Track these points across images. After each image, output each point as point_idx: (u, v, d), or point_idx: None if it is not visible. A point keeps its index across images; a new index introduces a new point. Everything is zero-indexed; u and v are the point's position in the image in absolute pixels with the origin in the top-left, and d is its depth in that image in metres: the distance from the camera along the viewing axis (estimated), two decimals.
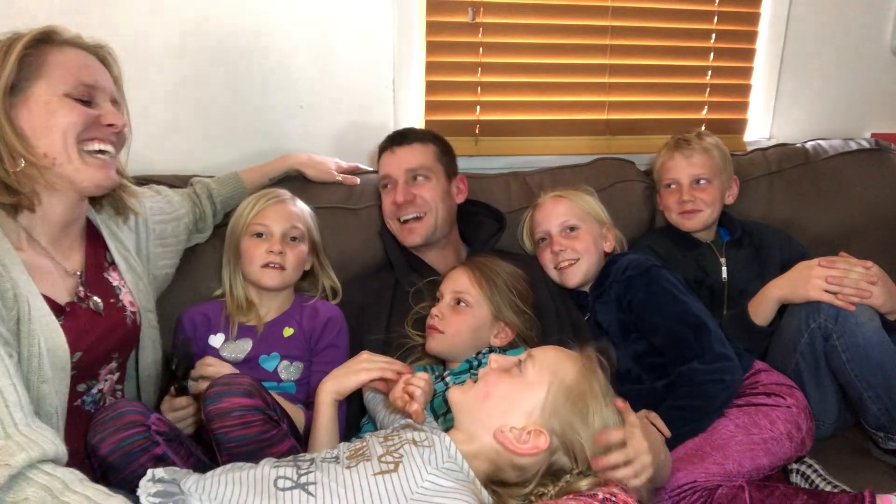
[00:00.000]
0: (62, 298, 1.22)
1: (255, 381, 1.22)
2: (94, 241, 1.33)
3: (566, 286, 1.69)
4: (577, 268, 1.67)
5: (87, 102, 1.19)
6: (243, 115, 1.87)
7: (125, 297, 1.33)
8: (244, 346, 1.50)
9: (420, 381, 1.24)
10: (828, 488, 1.43)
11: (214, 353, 1.50)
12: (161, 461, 1.14)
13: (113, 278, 1.33)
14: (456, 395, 1.12)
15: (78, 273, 1.27)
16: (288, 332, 1.53)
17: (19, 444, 0.91)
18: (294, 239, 1.55)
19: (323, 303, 1.61)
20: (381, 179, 1.73)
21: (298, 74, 1.92)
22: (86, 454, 1.15)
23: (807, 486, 1.47)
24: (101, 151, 1.21)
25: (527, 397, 1.07)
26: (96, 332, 1.25)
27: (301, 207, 1.61)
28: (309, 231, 1.60)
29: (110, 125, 1.21)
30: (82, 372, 1.22)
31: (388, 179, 1.70)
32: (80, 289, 1.26)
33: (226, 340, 1.51)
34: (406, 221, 1.68)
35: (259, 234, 1.54)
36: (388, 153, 1.72)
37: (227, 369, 1.37)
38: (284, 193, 1.61)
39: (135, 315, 1.35)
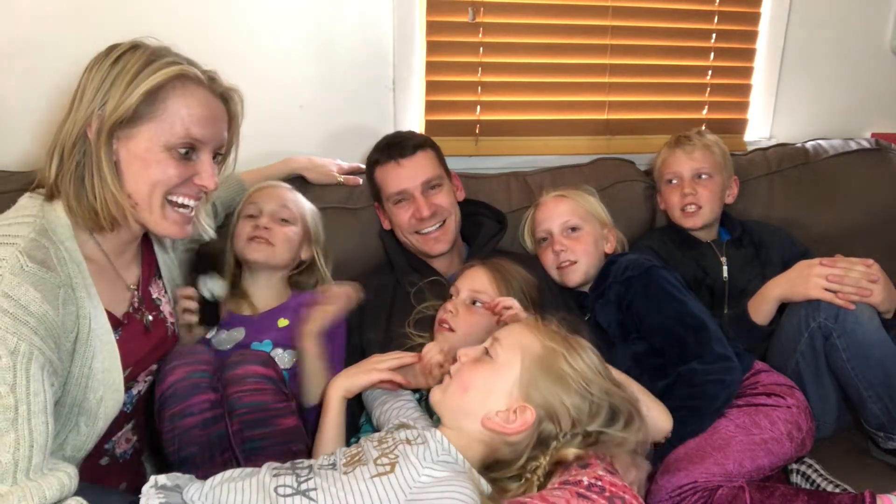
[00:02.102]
0: (120, 311, 1.22)
1: (270, 357, 1.29)
2: (147, 254, 1.34)
3: (566, 285, 1.69)
4: (577, 268, 1.67)
5: (188, 154, 1.16)
6: (242, 116, 1.87)
7: (165, 308, 1.34)
8: (236, 336, 1.51)
9: (435, 353, 1.30)
10: (829, 487, 1.43)
11: (204, 342, 1.50)
12: (214, 407, 1.20)
13: (153, 290, 1.33)
14: (436, 396, 1.14)
15: (134, 287, 1.27)
16: (283, 322, 1.54)
17: (23, 490, 0.92)
18: (284, 220, 1.56)
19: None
20: (395, 195, 1.66)
21: (298, 74, 1.92)
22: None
23: (808, 485, 1.47)
24: (183, 205, 1.19)
25: (503, 378, 1.09)
26: (145, 348, 1.26)
27: (299, 197, 1.63)
28: (303, 218, 1.60)
29: (201, 185, 1.19)
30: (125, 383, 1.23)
31: (404, 195, 1.66)
32: (136, 301, 1.27)
33: (218, 331, 1.52)
34: (427, 232, 1.66)
35: (251, 216, 1.56)
36: (393, 166, 1.66)
37: None
38: (284, 184, 1.65)
39: (174, 326, 1.36)
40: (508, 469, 1.07)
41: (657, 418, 1.29)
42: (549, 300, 1.62)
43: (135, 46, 1.13)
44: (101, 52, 1.13)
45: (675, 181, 1.86)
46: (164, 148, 1.13)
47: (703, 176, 1.84)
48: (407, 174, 1.65)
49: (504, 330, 1.17)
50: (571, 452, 1.04)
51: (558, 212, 1.72)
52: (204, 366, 1.22)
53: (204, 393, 1.19)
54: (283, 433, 1.23)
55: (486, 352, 1.13)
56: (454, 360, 1.16)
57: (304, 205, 1.63)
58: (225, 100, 1.21)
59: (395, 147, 1.68)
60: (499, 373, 1.09)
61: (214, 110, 1.18)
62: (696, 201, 1.81)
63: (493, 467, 1.08)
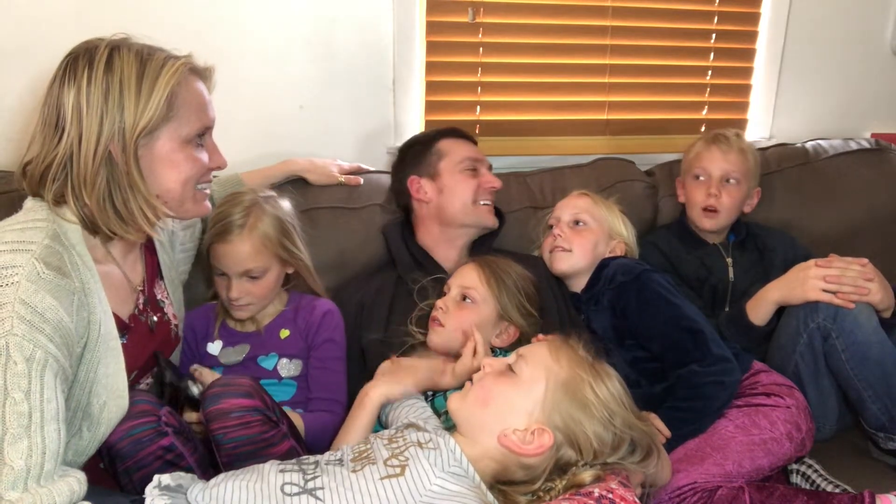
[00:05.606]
0: (126, 313, 1.22)
1: (254, 382, 1.22)
2: (150, 253, 1.34)
3: (552, 269, 1.70)
4: (567, 257, 1.68)
5: (201, 144, 1.18)
6: (243, 116, 1.87)
7: (168, 310, 1.35)
8: (242, 350, 1.51)
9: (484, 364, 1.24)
10: (829, 488, 1.43)
11: (213, 360, 1.50)
12: (169, 451, 1.15)
13: (157, 292, 1.33)
14: (455, 404, 1.12)
15: (140, 288, 1.27)
16: (284, 333, 1.53)
17: (34, 497, 0.92)
18: (254, 277, 1.46)
19: (318, 298, 1.59)
20: (469, 161, 1.73)
21: (298, 74, 1.92)
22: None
23: (807, 486, 1.47)
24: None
25: (525, 396, 1.07)
26: (149, 350, 1.26)
27: (258, 236, 1.44)
28: (275, 255, 1.48)
29: (217, 166, 1.22)
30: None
31: (479, 163, 1.74)
32: (141, 303, 1.27)
33: (223, 347, 1.52)
34: (486, 204, 1.73)
35: (223, 274, 1.47)
36: (470, 143, 1.78)
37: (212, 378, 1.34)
38: (241, 219, 1.44)
39: (177, 328, 1.36)
40: (522, 487, 1.06)
41: (662, 470, 1.25)
42: (549, 300, 1.62)
43: (112, 49, 1.10)
44: (69, 66, 1.09)
45: (702, 178, 1.83)
46: (183, 143, 1.14)
47: (731, 181, 1.80)
48: (479, 152, 1.78)
49: (530, 348, 1.15)
50: (589, 475, 1.03)
51: (574, 203, 1.75)
52: (144, 418, 1.15)
53: (150, 445, 1.14)
54: (279, 459, 1.18)
55: (510, 367, 1.11)
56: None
57: (269, 236, 1.46)
58: (206, 78, 1.22)
59: (462, 132, 1.81)
60: (521, 390, 1.08)
61: (207, 93, 1.20)
62: (717, 205, 1.79)
63: (504, 484, 1.07)
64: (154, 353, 1.30)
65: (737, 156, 1.81)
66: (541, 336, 1.39)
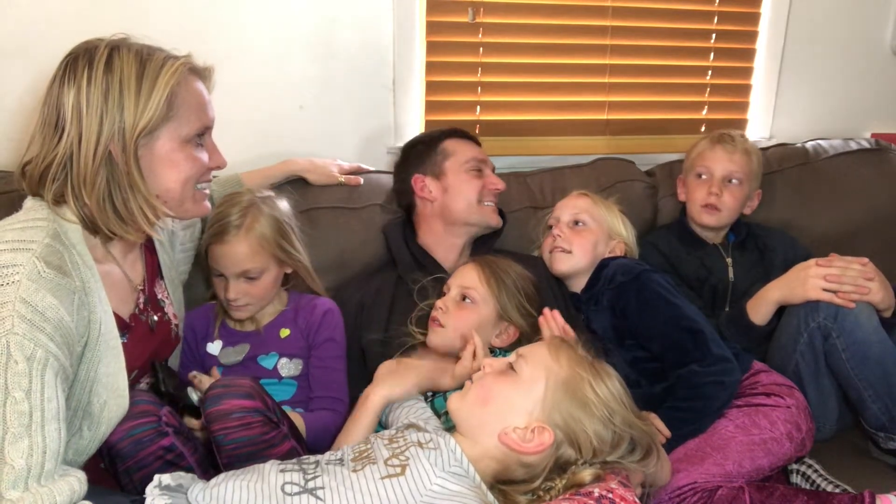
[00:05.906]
0: (126, 312, 1.22)
1: (255, 383, 1.22)
2: (150, 252, 1.34)
3: (552, 270, 1.70)
4: (567, 258, 1.68)
5: (200, 143, 1.19)
6: (242, 116, 1.87)
7: (169, 310, 1.35)
8: (242, 350, 1.51)
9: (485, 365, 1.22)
10: (829, 488, 1.43)
11: (213, 360, 1.51)
12: (169, 451, 1.16)
13: (158, 291, 1.33)
14: (455, 404, 1.12)
15: (140, 287, 1.28)
16: (284, 332, 1.53)
17: (35, 496, 0.93)
18: (251, 278, 1.46)
19: (319, 297, 1.59)
20: (474, 162, 1.74)
21: (298, 74, 1.92)
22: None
23: (808, 486, 1.47)
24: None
25: (526, 395, 1.07)
26: (149, 349, 1.26)
27: (255, 237, 1.44)
28: (273, 255, 1.47)
29: (216, 166, 1.22)
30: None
31: (483, 164, 1.76)
32: (142, 302, 1.27)
33: (223, 346, 1.52)
34: (489, 205, 1.74)
35: (220, 275, 1.47)
36: (474, 144, 1.79)
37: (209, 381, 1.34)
38: (238, 220, 1.44)
39: (177, 327, 1.36)
40: (522, 486, 1.06)
41: (661, 469, 1.24)
42: (549, 300, 1.62)
43: (112, 49, 1.10)
44: (69, 66, 1.09)
45: (704, 176, 1.83)
46: (183, 143, 1.15)
47: (734, 181, 1.81)
48: (482, 153, 1.79)
49: (530, 347, 1.16)
50: (588, 474, 1.03)
51: (573, 203, 1.75)
52: (145, 418, 1.15)
53: (151, 445, 1.14)
54: (280, 459, 1.18)
55: (511, 367, 1.11)
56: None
57: (267, 237, 1.46)
58: (205, 78, 1.22)
59: (466, 132, 1.82)
60: (521, 389, 1.08)
61: (206, 93, 1.21)
62: (718, 204, 1.79)
63: (505, 484, 1.07)
64: (151, 362, 1.30)
65: (741, 156, 1.82)
66: (546, 310, 1.42)
